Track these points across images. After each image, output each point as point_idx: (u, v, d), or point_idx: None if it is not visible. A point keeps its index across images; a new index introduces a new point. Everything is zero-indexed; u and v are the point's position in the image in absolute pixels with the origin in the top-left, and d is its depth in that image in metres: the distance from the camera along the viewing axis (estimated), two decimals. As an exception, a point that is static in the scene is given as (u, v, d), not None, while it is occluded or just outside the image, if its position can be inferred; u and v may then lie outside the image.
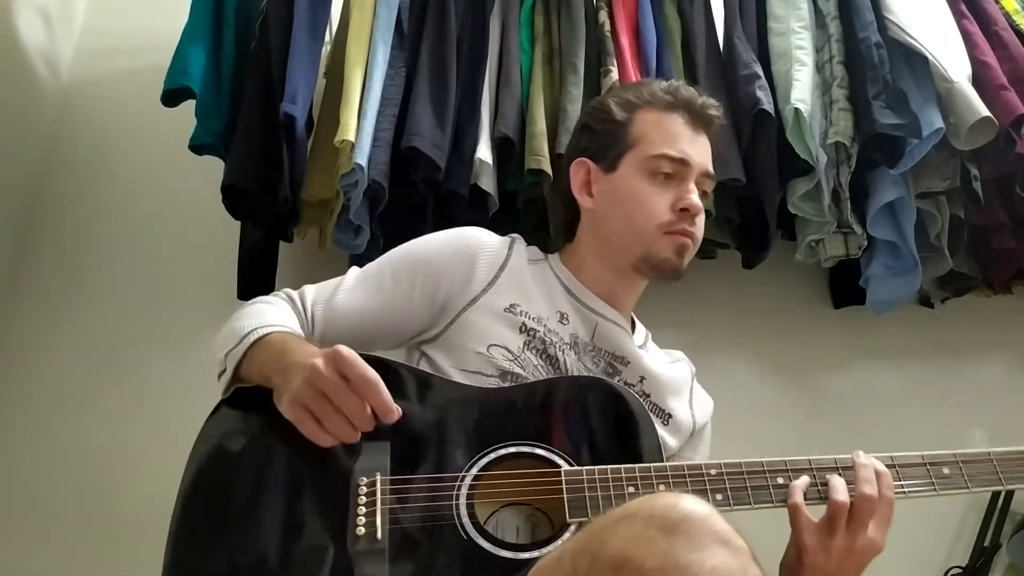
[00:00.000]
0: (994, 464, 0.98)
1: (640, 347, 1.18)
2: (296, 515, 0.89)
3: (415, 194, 1.55)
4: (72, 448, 1.68)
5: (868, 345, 1.91)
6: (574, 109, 1.57)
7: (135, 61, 1.99)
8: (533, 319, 1.08)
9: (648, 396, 1.13)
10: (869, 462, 0.93)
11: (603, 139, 1.17)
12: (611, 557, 0.58)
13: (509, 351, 1.05)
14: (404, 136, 1.50)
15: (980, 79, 1.64)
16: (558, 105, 1.62)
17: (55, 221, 1.87)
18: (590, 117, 1.22)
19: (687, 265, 1.15)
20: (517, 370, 1.05)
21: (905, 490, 0.95)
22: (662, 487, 0.90)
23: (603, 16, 1.70)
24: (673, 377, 1.19)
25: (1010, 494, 1.73)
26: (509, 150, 1.58)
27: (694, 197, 1.12)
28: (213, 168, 1.59)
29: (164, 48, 1.59)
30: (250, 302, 1.10)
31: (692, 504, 0.61)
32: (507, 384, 1.04)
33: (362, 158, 1.47)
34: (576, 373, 1.09)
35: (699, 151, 1.15)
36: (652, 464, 0.93)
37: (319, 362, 0.86)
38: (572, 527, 0.88)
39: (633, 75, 1.63)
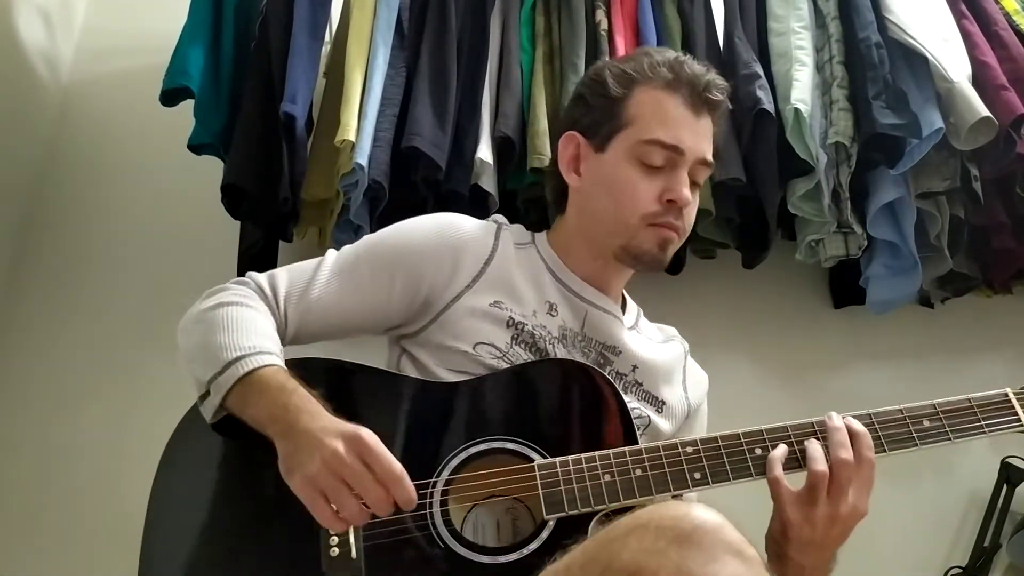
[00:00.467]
0: (975, 411, 0.95)
1: (632, 327, 1.14)
2: (267, 538, 0.87)
3: (415, 194, 1.55)
4: (71, 447, 1.68)
5: (868, 345, 1.91)
6: (575, 109, 1.58)
7: (135, 61, 1.99)
8: (520, 314, 1.03)
9: (641, 384, 1.09)
10: (841, 424, 0.90)
11: (596, 114, 1.09)
12: (623, 569, 0.58)
13: (497, 348, 1.01)
14: (404, 136, 1.50)
15: (980, 79, 1.64)
16: (559, 104, 1.62)
17: (55, 221, 1.87)
18: (586, 88, 1.13)
19: (670, 256, 1.08)
20: (506, 367, 1.01)
21: (886, 448, 0.91)
22: (638, 471, 0.88)
23: (600, 15, 1.70)
24: (665, 361, 1.14)
25: (1010, 494, 1.73)
26: (509, 150, 1.58)
27: (684, 189, 1.04)
28: (213, 168, 1.59)
29: (164, 48, 1.59)
30: (218, 294, 1.01)
31: (703, 514, 0.61)
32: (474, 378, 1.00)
33: (362, 158, 1.47)
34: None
35: (697, 137, 1.06)
36: (627, 448, 0.90)
37: (340, 447, 0.80)
38: (550, 523, 0.87)
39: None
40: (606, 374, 1.01)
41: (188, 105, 1.56)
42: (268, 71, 1.54)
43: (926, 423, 0.93)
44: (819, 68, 1.72)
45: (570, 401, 0.97)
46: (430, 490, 0.89)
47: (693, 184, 1.07)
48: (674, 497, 0.89)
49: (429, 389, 0.98)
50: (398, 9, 1.63)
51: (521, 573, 0.84)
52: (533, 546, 0.86)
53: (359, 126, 1.49)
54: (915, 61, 1.65)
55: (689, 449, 0.90)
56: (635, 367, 1.09)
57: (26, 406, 1.72)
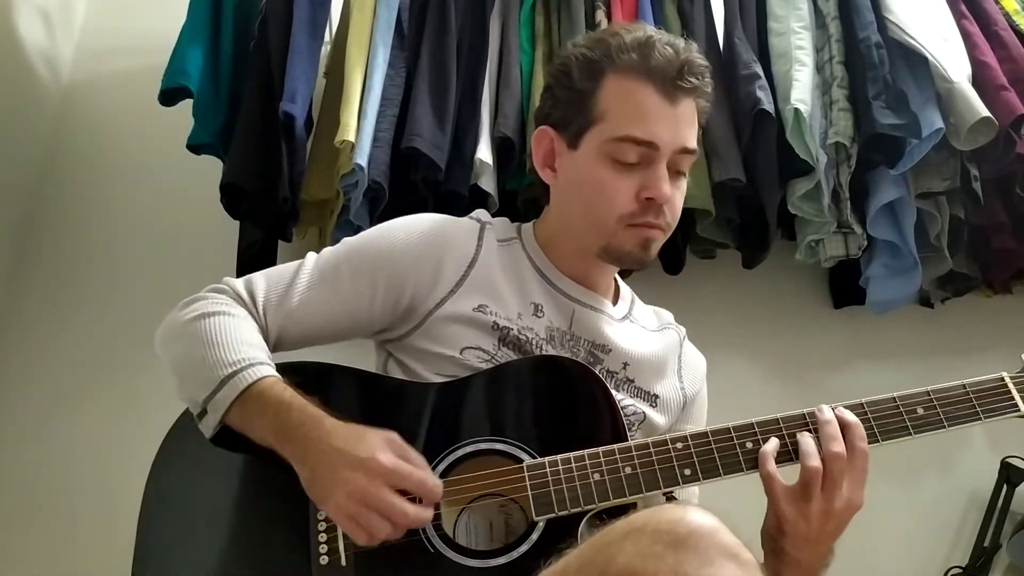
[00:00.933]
0: (971, 397, 0.92)
1: (624, 317, 1.11)
2: (258, 541, 0.87)
3: (415, 194, 1.55)
4: (69, 446, 1.68)
5: (868, 345, 1.91)
6: (574, 109, 1.58)
7: (135, 61, 1.99)
8: (504, 318, 1.00)
9: (632, 381, 1.07)
10: (832, 417, 0.88)
11: (565, 108, 1.02)
12: (619, 573, 0.58)
13: (484, 351, 0.98)
14: (404, 136, 1.50)
15: (980, 79, 1.64)
16: (558, 105, 1.62)
17: (55, 221, 1.87)
18: (553, 79, 1.05)
19: (655, 253, 1.02)
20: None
21: (879, 438, 0.89)
22: (628, 469, 0.87)
23: (600, 15, 1.70)
24: (658, 352, 1.11)
25: (1010, 494, 1.73)
26: (509, 150, 1.58)
27: (663, 186, 0.96)
28: (212, 168, 1.59)
29: (164, 48, 1.59)
30: (197, 303, 0.97)
31: (699, 518, 0.61)
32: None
33: (362, 158, 1.47)
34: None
35: (676, 127, 0.97)
36: (616, 446, 0.89)
37: (361, 481, 0.79)
38: (540, 524, 0.86)
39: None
40: (594, 370, 0.99)
41: (187, 105, 1.56)
42: (268, 71, 1.54)
43: (920, 411, 0.91)
44: (819, 68, 1.72)
45: (558, 398, 0.95)
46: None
47: (677, 173, 1.00)
48: (666, 496, 0.89)
49: (416, 391, 0.96)
50: (398, 9, 1.63)
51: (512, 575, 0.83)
52: (523, 548, 0.85)
53: (359, 126, 1.49)
54: (915, 61, 1.65)
55: (679, 445, 0.89)
56: (626, 364, 1.06)
57: (25, 405, 1.72)
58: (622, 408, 0.95)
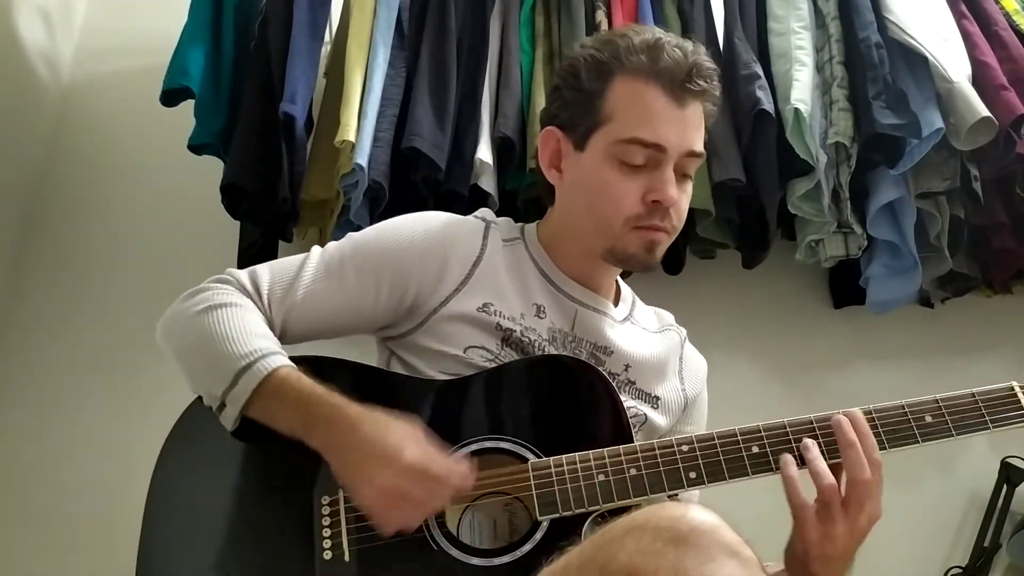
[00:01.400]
0: (980, 406, 0.91)
1: (626, 319, 1.11)
2: (262, 539, 0.87)
3: (415, 194, 1.55)
4: (70, 446, 1.69)
5: (868, 345, 1.91)
6: (574, 109, 1.58)
7: (135, 61, 1.99)
8: (508, 318, 1.00)
9: (634, 383, 1.07)
10: (854, 438, 0.86)
11: (572, 109, 1.02)
12: (620, 570, 0.58)
13: (487, 350, 0.99)
14: (404, 136, 1.50)
15: (980, 79, 1.64)
16: (558, 105, 1.62)
17: (55, 221, 1.87)
18: (561, 80, 1.05)
19: (660, 256, 1.03)
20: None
21: (886, 445, 0.88)
22: (633, 471, 0.87)
23: (600, 15, 1.70)
24: (659, 354, 1.11)
25: (1010, 494, 1.73)
26: (509, 150, 1.58)
27: (669, 189, 0.96)
28: (213, 168, 1.59)
29: (164, 48, 1.59)
30: (202, 294, 0.97)
31: (700, 515, 0.61)
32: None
33: (362, 158, 1.47)
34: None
35: (683, 130, 0.97)
36: (622, 447, 0.89)
37: (394, 478, 0.80)
38: (544, 524, 0.86)
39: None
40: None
41: (188, 105, 1.56)
42: (268, 71, 1.54)
43: (928, 418, 0.90)
44: (819, 68, 1.72)
45: (563, 398, 0.95)
46: None
47: (683, 176, 1.00)
48: (670, 497, 0.89)
49: (421, 388, 0.96)
50: (398, 9, 1.63)
51: (515, 574, 0.83)
52: (527, 547, 0.85)
53: (359, 126, 1.50)
54: (915, 61, 1.65)
55: (685, 448, 0.88)
56: (628, 366, 1.07)
57: (26, 405, 1.72)
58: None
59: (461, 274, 1.01)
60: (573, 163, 1.03)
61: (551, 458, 0.88)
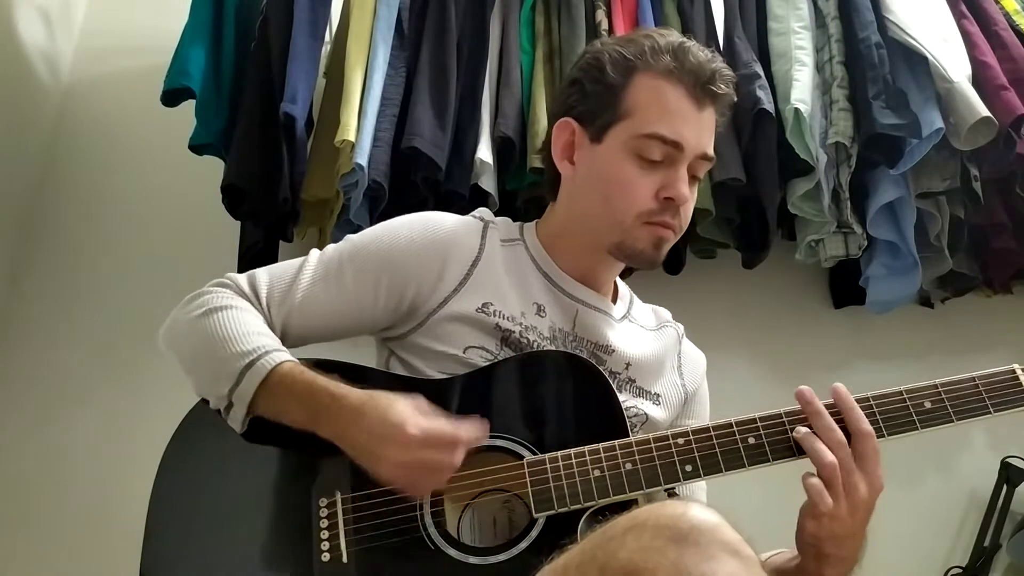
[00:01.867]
0: (980, 389, 0.90)
1: (624, 317, 1.11)
2: (260, 547, 0.87)
3: (415, 194, 1.55)
4: (70, 447, 1.68)
5: (868, 345, 1.91)
6: (575, 109, 1.58)
7: (135, 61, 1.99)
8: (507, 318, 1.00)
9: (634, 381, 1.07)
10: (820, 408, 0.87)
11: (593, 102, 1.03)
12: (620, 568, 0.58)
13: (487, 350, 0.99)
14: (404, 136, 1.50)
15: (980, 79, 1.64)
16: (558, 105, 1.62)
17: (55, 221, 1.87)
18: (583, 72, 1.05)
19: (665, 254, 1.04)
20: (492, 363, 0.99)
21: (885, 432, 0.87)
22: (628, 465, 0.87)
23: (600, 15, 1.70)
24: (658, 351, 1.11)
25: (1010, 494, 1.73)
26: (509, 150, 1.59)
27: (682, 186, 0.99)
28: (213, 168, 1.59)
29: (164, 48, 1.59)
30: (203, 298, 0.98)
31: (701, 513, 0.61)
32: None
33: (362, 158, 1.47)
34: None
35: (698, 131, 1.00)
36: (617, 442, 0.88)
37: (404, 453, 0.82)
38: (540, 521, 0.86)
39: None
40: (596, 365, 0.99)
41: (188, 105, 1.56)
42: (268, 71, 1.54)
43: (927, 404, 0.89)
44: (819, 68, 1.72)
45: (559, 394, 0.95)
46: None
47: (692, 178, 1.02)
48: (667, 491, 0.89)
49: (417, 387, 0.94)
50: (398, 9, 1.63)
51: (512, 572, 0.83)
52: (523, 545, 0.85)
53: (359, 126, 1.50)
54: (915, 61, 1.65)
55: (680, 441, 0.88)
56: (628, 364, 1.07)
57: (25, 405, 1.72)
58: (625, 409, 0.95)
59: (460, 274, 1.01)
60: (588, 155, 1.03)
61: (546, 454, 0.89)
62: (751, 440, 0.88)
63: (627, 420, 0.94)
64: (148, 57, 1.90)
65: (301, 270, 1.01)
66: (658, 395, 1.09)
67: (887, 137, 1.59)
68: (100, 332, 1.78)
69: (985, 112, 1.56)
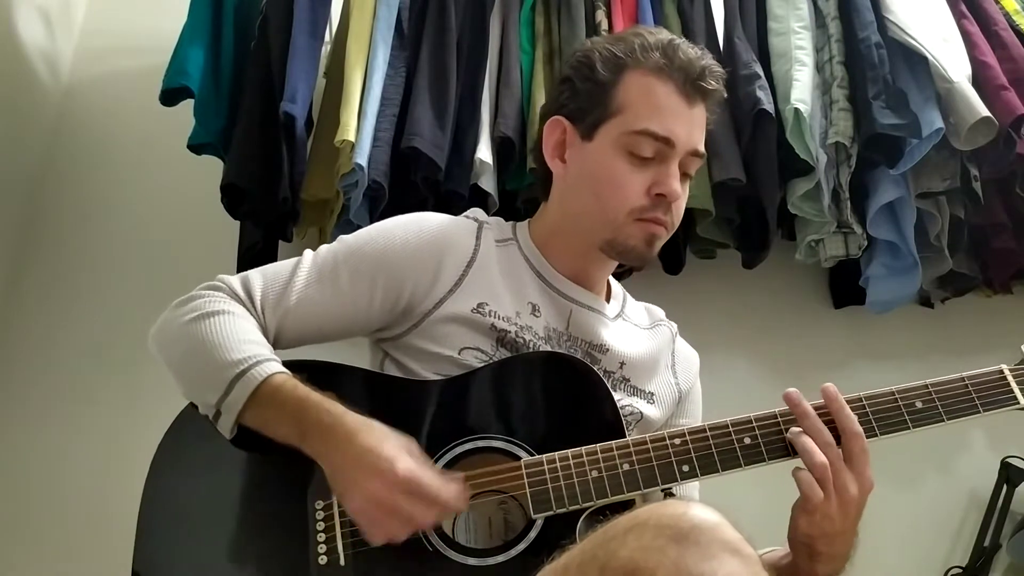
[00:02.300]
0: (969, 389, 0.92)
1: (618, 316, 1.12)
2: (258, 543, 0.87)
3: (415, 194, 1.55)
4: (68, 447, 1.68)
5: (868, 345, 1.91)
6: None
7: (135, 61, 1.99)
8: (503, 318, 1.00)
9: (628, 380, 1.07)
10: (809, 410, 0.87)
11: (583, 100, 1.03)
12: (621, 567, 0.58)
13: (482, 351, 0.99)
14: (404, 136, 1.50)
15: (980, 79, 1.64)
16: (558, 105, 1.62)
17: (54, 221, 1.87)
18: (573, 70, 1.06)
19: (657, 251, 1.04)
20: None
21: (877, 432, 0.88)
22: (626, 466, 0.87)
23: (600, 15, 1.70)
24: (651, 350, 1.12)
25: (1010, 494, 1.73)
26: (509, 150, 1.59)
27: (674, 183, 0.99)
28: (213, 168, 1.59)
29: (164, 48, 1.59)
30: (194, 302, 0.96)
31: (701, 513, 0.61)
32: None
33: (362, 158, 1.47)
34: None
35: (689, 127, 1.00)
36: (614, 443, 0.88)
37: (383, 490, 0.79)
38: (538, 522, 0.86)
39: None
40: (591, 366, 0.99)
41: (188, 105, 1.56)
42: (268, 71, 1.54)
43: (919, 404, 0.90)
44: (819, 68, 1.72)
45: (554, 395, 0.95)
46: None
47: (684, 175, 1.02)
48: (663, 492, 0.89)
49: (413, 388, 0.96)
50: (398, 9, 1.63)
51: (511, 574, 0.83)
52: (521, 546, 0.85)
53: (359, 126, 1.50)
54: (915, 61, 1.65)
55: (677, 442, 0.88)
56: (622, 363, 1.07)
57: (24, 405, 1.72)
58: (620, 408, 0.95)
59: (455, 275, 1.01)
60: (579, 153, 1.04)
61: (544, 456, 0.88)
62: (747, 440, 0.88)
63: (623, 419, 0.94)
64: (147, 57, 1.90)
65: (295, 272, 1.00)
66: (652, 394, 1.10)
67: (887, 137, 1.59)
68: (99, 332, 1.78)
69: (985, 112, 1.56)
